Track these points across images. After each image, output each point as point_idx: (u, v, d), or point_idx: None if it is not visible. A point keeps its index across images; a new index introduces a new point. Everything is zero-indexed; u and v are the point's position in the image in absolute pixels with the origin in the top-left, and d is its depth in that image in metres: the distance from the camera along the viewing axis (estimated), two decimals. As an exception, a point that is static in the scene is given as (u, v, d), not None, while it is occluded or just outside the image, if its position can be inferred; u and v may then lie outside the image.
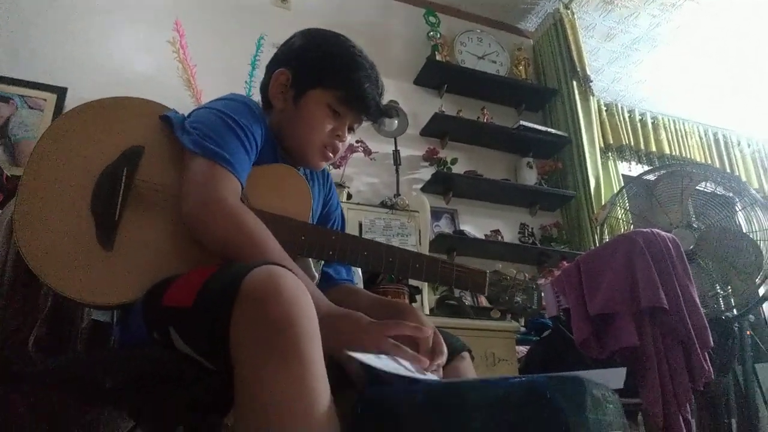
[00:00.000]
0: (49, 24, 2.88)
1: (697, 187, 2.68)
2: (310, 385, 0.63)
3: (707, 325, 1.80)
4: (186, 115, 1.03)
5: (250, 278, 0.68)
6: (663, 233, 1.95)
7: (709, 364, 1.77)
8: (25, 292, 0.96)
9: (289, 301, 0.66)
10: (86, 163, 0.92)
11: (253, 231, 0.86)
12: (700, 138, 4.77)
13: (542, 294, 1.18)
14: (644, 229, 1.96)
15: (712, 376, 1.77)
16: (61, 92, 2.70)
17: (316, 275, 1.13)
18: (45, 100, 2.67)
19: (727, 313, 2.45)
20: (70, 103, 2.69)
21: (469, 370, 1.08)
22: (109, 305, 0.87)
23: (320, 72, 1.11)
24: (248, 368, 0.65)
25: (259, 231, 0.87)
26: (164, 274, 0.87)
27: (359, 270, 2.28)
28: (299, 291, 0.69)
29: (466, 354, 1.10)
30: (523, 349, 2.36)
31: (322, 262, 1.17)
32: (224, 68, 2.86)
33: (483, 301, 3.03)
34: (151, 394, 0.87)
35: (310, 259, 1.08)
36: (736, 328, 2.39)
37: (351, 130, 1.17)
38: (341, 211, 1.33)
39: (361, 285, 2.28)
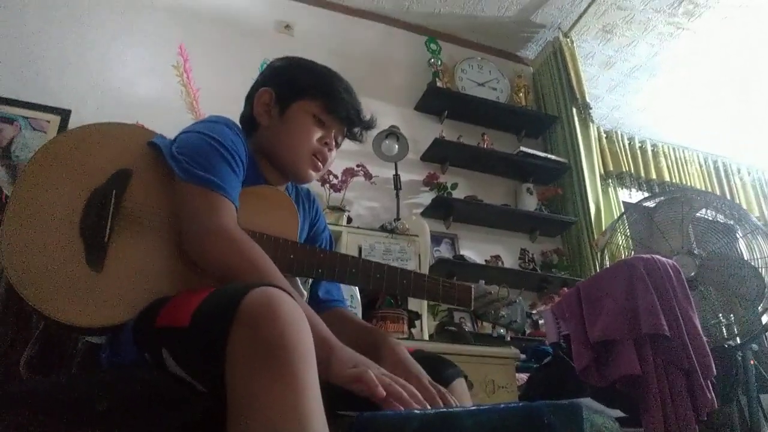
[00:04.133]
0: (54, 47, 2.92)
1: (697, 215, 2.68)
2: (304, 408, 0.62)
3: (710, 353, 1.77)
4: (172, 139, 1.04)
5: (248, 299, 0.67)
6: (664, 259, 1.94)
7: (713, 393, 1.74)
8: (18, 310, 0.95)
9: (286, 323, 0.66)
10: (75, 186, 0.92)
11: (254, 257, 0.87)
12: (700, 165, 4.79)
13: (524, 309, 1.22)
14: (645, 255, 1.95)
15: (716, 405, 1.74)
16: (64, 114, 2.73)
17: (305, 293, 1.13)
18: (48, 121, 2.70)
19: (730, 342, 2.42)
20: (74, 125, 2.71)
21: (464, 396, 1.07)
22: (98, 327, 0.86)
23: (303, 84, 1.16)
24: (243, 390, 0.64)
25: (259, 256, 0.88)
26: (154, 296, 0.87)
27: (357, 295, 2.27)
28: (296, 313, 0.69)
29: (461, 380, 1.09)
30: (523, 377, 2.33)
31: (310, 280, 1.18)
32: (227, 93, 2.86)
33: (483, 327, 3.01)
34: (143, 418, 0.85)
35: (298, 278, 1.09)
36: (739, 357, 2.35)
37: (336, 144, 1.21)
38: (329, 233, 1.34)
39: (359, 310, 2.27)
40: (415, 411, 0.71)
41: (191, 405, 0.80)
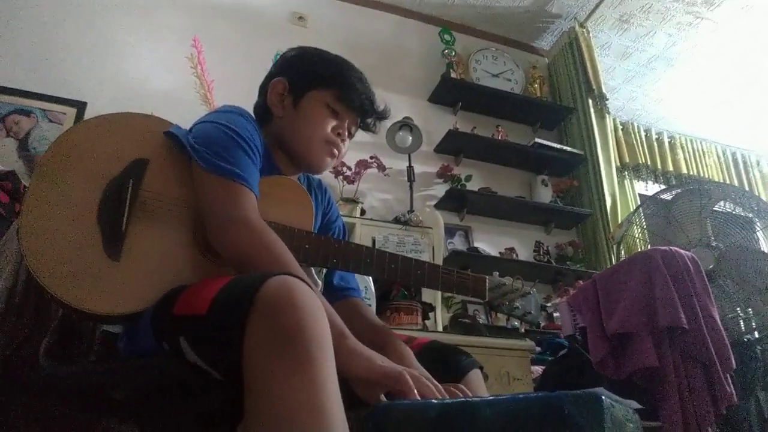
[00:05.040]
0: (70, 39, 2.94)
1: (715, 207, 2.64)
2: (321, 396, 0.62)
3: (729, 346, 1.75)
4: (188, 129, 1.04)
5: (266, 287, 0.67)
6: (682, 251, 1.91)
7: (732, 387, 1.72)
8: (38, 300, 0.96)
9: (304, 312, 0.66)
10: (92, 175, 0.92)
11: (275, 247, 0.88)
12: (718, 157, 4.72)
13: (538, 300, 1.22)
14: (662, 247, 1.93)
15: (735, 400, 1.71)
16: (80, 106, 2.76)
17: (319, 282, 1.13)
18: (65, 113, 2.73)
19: (749, 336, 2.39)
20: (89, 117, 2.73)
21: (480, 387, 1.06)
22: (116, 315, 0.86)
23: (316, 74, 1.17)
24: (260, 378, 0.64)
25: (280, 247, 0.88)
26: (171, 285, 0.87)
27: (371, 286, 2.26)
28: (314, 302, 0.68)
29: (477, 371, 1.09)
30: (538, 369, 2.31)
31: (324, 270, 1.19)
32: (241, 84, 2.87)
33: (497, 320, 3.00)
34: (160, 406, 0.86)
35: (312, 268, 1.09)
36: (758, 351, 2.32)
37: (350, 134, 1.21)
38: (342, 223, 1.34)
39: (374, 301, 2.27)
40: (433, 401, 0.71)
41: (208, 394, 0.80)
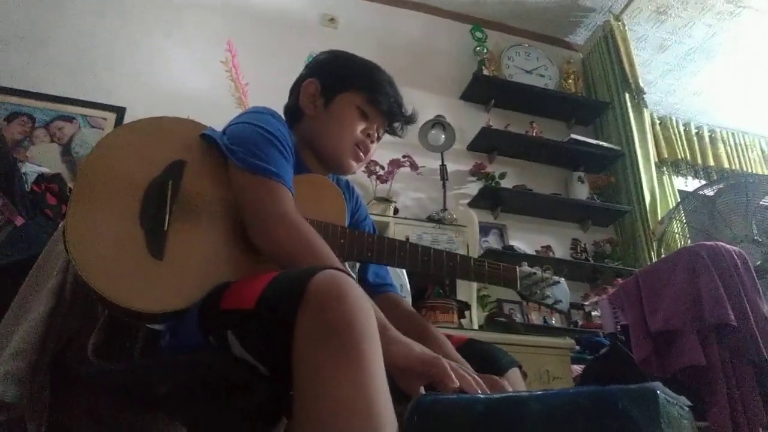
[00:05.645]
0: (108, 47, 3.02)
1: (761, 202, 2.55)
2: (371, 390, 0.62)
3: (781, 344, 1.68)
4: (222, 131, 1.06)
5: (315, 281, 0.68)
6: (728, 246, 1.85)
7: (784, 387, 1.65)
8: (85, 298, 0.98)
9: (352, 306, 0.66)
10: (133, 176, 0.94)
11: (317, 244, 0.90)
12: (762, 151, 4.57)
13: (567, 289, 1.25)
14: (708, 243, 1.87)
15: (788, 400, 1.65)
16: (120, 111, 2.84)
17: (354, 276, 1.14)
18: (105, 119, 2.81)
19: (801, 334, 2.29)
20: (128, 121, 2.80)
21: (519, 385, 1.05)
22: (161, 313, 0.87)
23: (348, 77, 1.21)
24: (309, 372, 0.64)
25: (321, 243, 0.90)
26: (214, 282, 0.88)
27: (407, 284, 2.26)
28: (361, 296, 0.69)
29: (516, 370, 1.09)
30: (577, 369, 2.27)
31: (357, 265, 1.22)
32: (274, 86, 2.90)
33: (532, 311, 2.96)
34: (205, 402, 0.87)
35: (346, 263, 1.11)
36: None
37: (378, 136, 1.24)
38: (371, 221, 1.37)
39: (409, 299, 2.26)
40: (479, 395, 0.70)
41: (253, 389, 0.80)
